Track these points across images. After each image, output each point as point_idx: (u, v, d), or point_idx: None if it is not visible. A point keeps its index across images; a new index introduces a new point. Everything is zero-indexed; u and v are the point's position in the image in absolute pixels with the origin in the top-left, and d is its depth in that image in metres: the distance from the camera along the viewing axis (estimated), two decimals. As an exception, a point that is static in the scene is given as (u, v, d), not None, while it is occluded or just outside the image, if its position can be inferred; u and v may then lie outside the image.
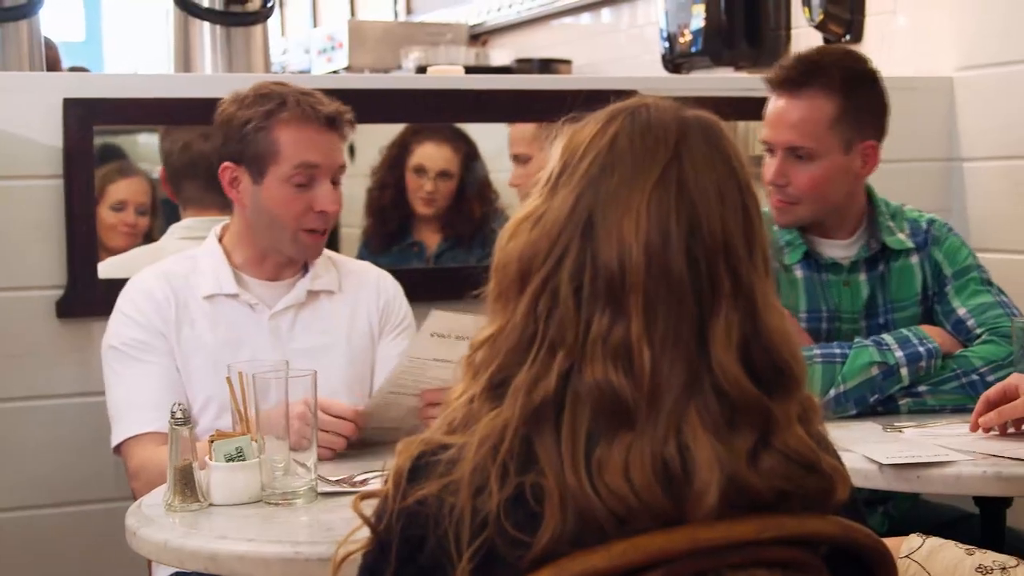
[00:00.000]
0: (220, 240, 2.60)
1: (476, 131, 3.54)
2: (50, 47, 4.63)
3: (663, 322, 1.33)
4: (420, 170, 3.50)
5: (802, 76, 2.65)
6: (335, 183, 2.54)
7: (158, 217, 3.16)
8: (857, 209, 2.78)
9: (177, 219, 3.10)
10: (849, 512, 1.41)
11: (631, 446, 1.30)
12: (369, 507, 1.39)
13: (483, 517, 1.30)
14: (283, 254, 2.57)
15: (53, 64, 4.47)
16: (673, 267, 1.34)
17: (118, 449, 2.49)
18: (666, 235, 1.34)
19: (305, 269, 2.62)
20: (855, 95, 2.67)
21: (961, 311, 2.73)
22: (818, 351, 2.58)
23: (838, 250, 2.77)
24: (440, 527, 1.32)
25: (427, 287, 3.13)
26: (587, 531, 1.30)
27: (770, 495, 1.33)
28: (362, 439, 2.34)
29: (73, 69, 4.77)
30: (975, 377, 2.58)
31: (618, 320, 1.33)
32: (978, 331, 2.69)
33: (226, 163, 2.52)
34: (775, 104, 2.68)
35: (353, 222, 3.57)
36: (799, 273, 2.75)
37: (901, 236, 2.78)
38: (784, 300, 2.72)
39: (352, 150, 3.65)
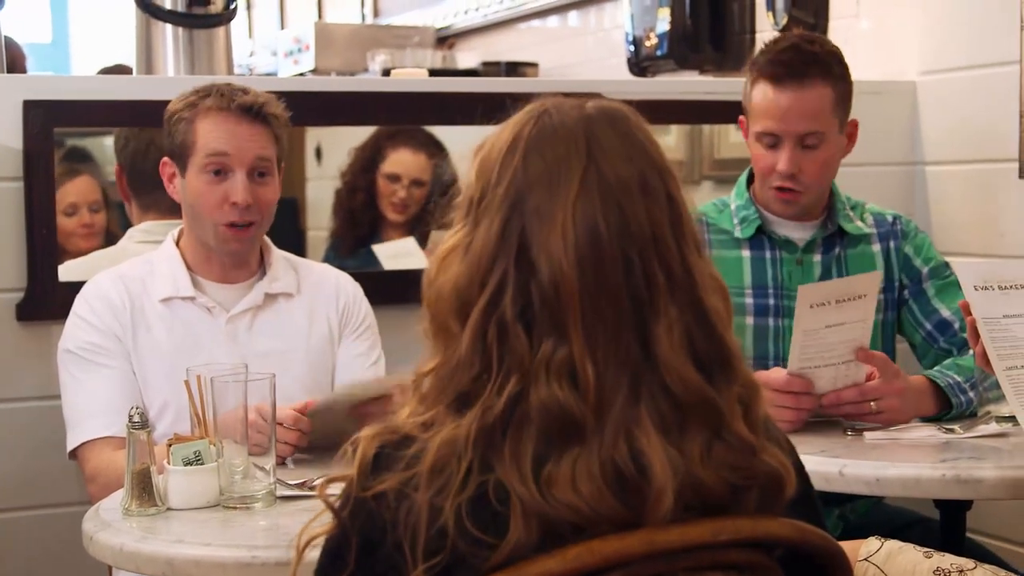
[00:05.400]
0: (177, 244, 2.59)
1: (442, 134, 3.53)
2: (15, 49, 4.60)
3: (603, 333, 1.33)
4: (394, 177, 3.48)
5: (804, 66, 2.70)
6: (262, 174, 2.50)
7: (112, 210, 3.14)
8: (825, 196, 2.83)
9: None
10: (804, 505, 1.42)
11: (577, 459, 1.31)
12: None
13: (443, 514, 1.30)
14: (213, 248, 2.55)
15: (18, 66, 4.44)
16: (608, 274, 1.34)
17: (74, 454, 2.47)
18: (597, 240, 1.34)
19: (263, 272, 2.61)
20: (844, 77, 2.76)
21: (946, 313, 2.75)
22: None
23: (794, 231, 2.80)
24: (398, 525, 1.32)
25: (392, 290, 3.12)
26: (549, 540, 1.30)
27: (722, 489, 1.33)
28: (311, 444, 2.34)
29: None
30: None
31: (560, 338, 1.33)
32: (963, 336, 2.71)
33: (164, 158, 2.54)
34: (778, 96, 2.70)
35: (320, 224, 3.55)
36: (747, 251, 2.79)
37: (858, 223, 2.83)
38: (729, 275, 2.76)
39: (319, 153, 3.64)
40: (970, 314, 2.30)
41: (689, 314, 1.36)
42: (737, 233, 2.79)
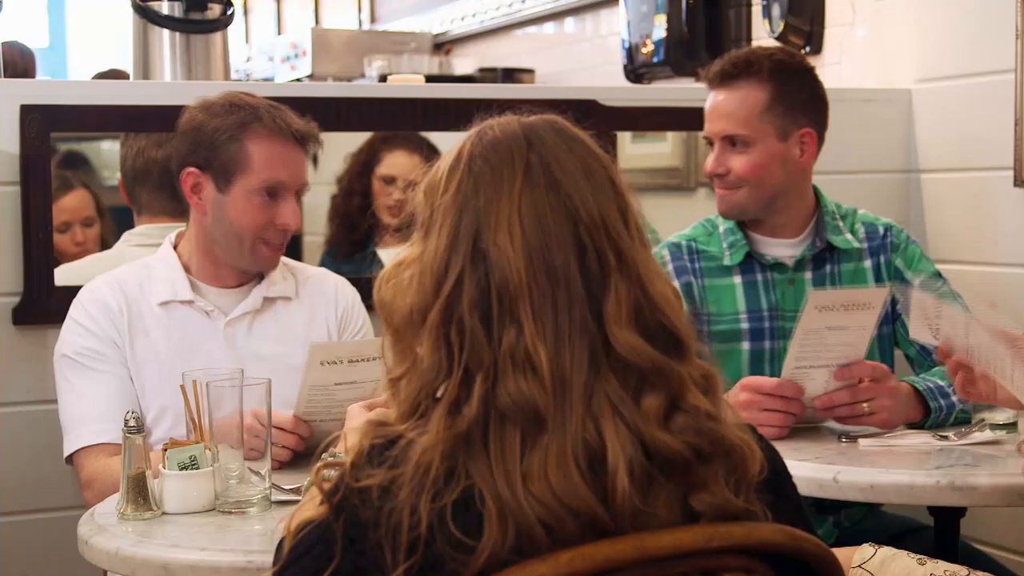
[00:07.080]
0: (175, 247, 2.59)
1: (438, 140, 3.54)
2: (24, 52, 4.60)
3: (554, 316, 1.36)
4: (389, 179, 3.48)
5: (734, 69, 2.76)
6: (297, 196, 2.55)
7: (107, 222, 3.14)
8: (804, 208, 2.81)
9: (129, 225, 3.08)
10: (778, 483, 1.45)
11: (547, 448, 1.33)
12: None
13: (425, 516, 1.32)
14: (237, 265, 2.56)
15: (29, 69, 4.44)
16: (559, 258, 1.37)
17: (70, 459, 2.47)
18: (544, 227, 1.38)
19: (261, 276, 2.61)
20: (786, 85, 2.76)
21: None
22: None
23: (783, 249, 2.80)
24: (380, 524, 1.33)
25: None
26: (524, 545, 1.31)
27: (684, 450, 1.35)
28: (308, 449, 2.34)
29: None
30: None
31: (517, 331, 1.36)
32: None
33: (190, 168, 2.51)
34: (711, 99, 2.79)
35: (316, 230, 3.56)
36: (738, 277, 2.79)
37: (848, 236, 2.81)
38: (723, 302, 2.77)
39: (315, 158, 3.65)
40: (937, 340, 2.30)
41: (638, 292, 1.39)
42: (726, 260, 2.79)
